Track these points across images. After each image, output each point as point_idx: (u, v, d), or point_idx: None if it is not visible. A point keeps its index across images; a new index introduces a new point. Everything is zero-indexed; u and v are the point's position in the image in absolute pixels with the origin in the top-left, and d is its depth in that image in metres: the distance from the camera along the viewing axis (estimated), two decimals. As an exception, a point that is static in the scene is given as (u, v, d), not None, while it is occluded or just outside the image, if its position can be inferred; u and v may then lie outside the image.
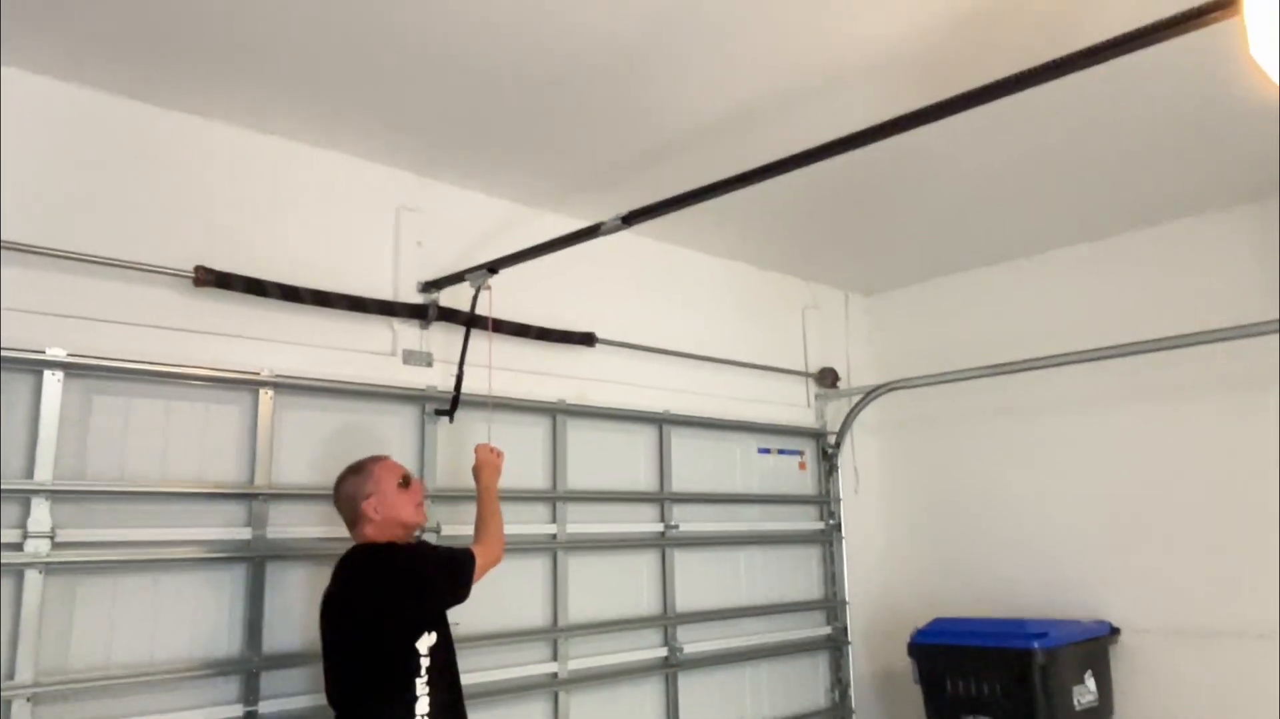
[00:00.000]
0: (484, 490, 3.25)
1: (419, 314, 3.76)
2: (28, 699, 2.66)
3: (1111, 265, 4.96)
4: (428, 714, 2.63)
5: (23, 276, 2.85)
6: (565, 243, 3.33)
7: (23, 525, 2.74)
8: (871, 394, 5.43)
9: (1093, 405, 4.95)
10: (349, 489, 2.89)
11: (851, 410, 5.48)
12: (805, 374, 5.52)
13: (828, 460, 5.47)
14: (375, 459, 2.98)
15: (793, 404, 5.43)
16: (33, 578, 2.72)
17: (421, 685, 2.65)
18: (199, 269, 3.17)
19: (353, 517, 2.88)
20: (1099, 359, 4.62)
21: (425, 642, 2.70)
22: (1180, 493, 4.58)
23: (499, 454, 3.39)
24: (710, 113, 3.36)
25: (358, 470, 2.93)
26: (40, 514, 2.76)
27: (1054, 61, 2.09)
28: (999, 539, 5.22)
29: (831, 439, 5.50)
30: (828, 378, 5.57)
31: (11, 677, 2.65)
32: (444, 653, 2.77)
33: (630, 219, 3.06)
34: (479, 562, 2.88)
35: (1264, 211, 4.42)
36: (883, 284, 5.89)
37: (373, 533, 2.84)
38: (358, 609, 2.72)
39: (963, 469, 5.46)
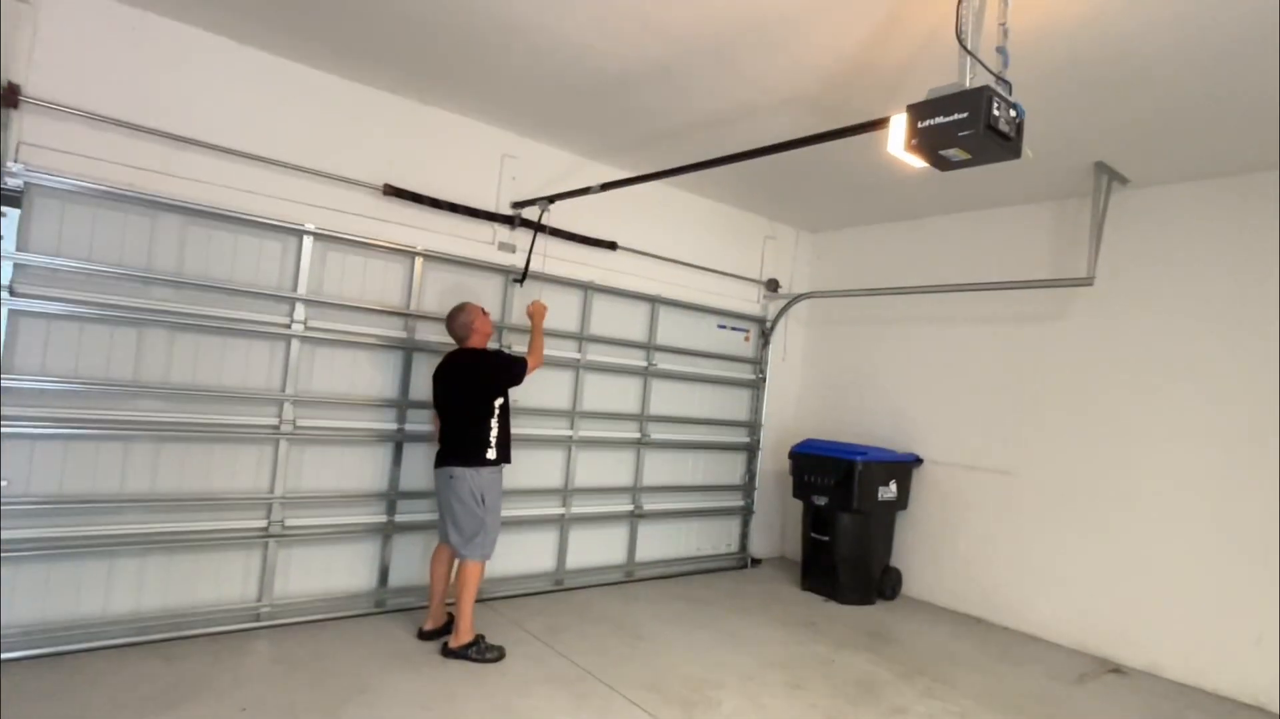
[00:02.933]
0: (535, 326, 4.17)
1: (509, 222, 4.69)
2: (292, 403, 3.90)
3: (962, 232, 5.59)
4: (495, 433, 3.76)
5: (295, 183, 3.91)
6: (572, 194, 4.24)
7: (290, 316, 3.91)
8: (796, 299, 6.27)
9: (934, 321, 5.70)
10: (465, 318, 3.85)
11: (784, 308, 6.32)
12: (759, 282, 6.31)
13: (764, 338, 6.33)
14: (473, 305, 3.92)
15: (746, 299, 6.24)
16: (295, 344, 3.92)
17: (493, 422, 3.78)
18: (386, 185, 4.18)
19: (466, 333, 3.87)
20: (941, 292, 5.39)
21: (498, 400, 3.81)
22: (974, 382, 5.40)
23: (545, 306, 4.27)
24: (697, 115, 4.07)
25: (468, 310, 3.87)
26: (299, 311, 3.92)
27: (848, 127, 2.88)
28: (864, 397, 6.12)
29: (769, 325, 6.34)
30: (773, 285, 6.36)
31: (283, 390, 3.88)
32: (505, 410, 3.85)
33: (606, 187, 4.00)
34: (529, 365, 3.93)
35: (1058, 208, 5.03)
36: (823, 226, 6.54)
37: (477, 342, 3.88)
38: (479, 377, 3.81)
39: (850, 351, 6.30)
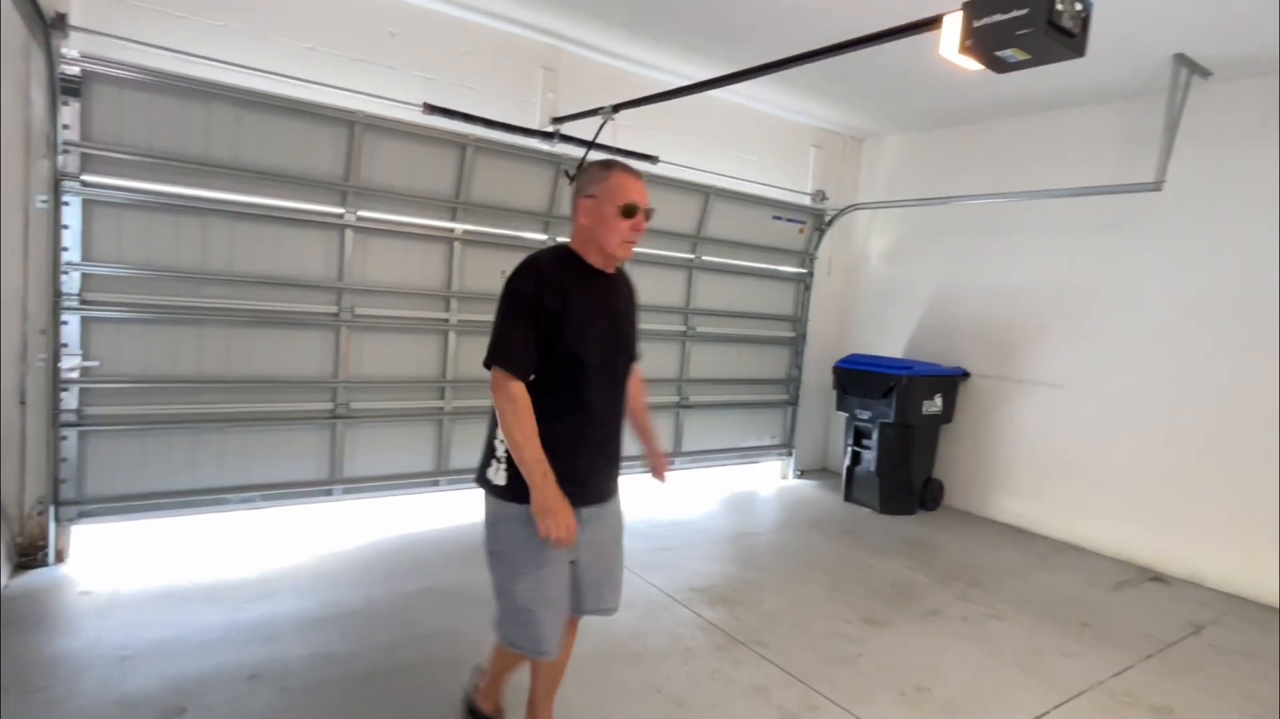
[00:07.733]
0: None
1: (549, 138, 4.63)
2: (351, 292, 4.06)
3: (1020, 136, 5.36)
4: None
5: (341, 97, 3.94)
6: (636, 104, 4.20)
7: (344, 206, 4.01)
8: (844, 211, 6.13)
9: (984, 232, 5.56)
10: (582, 180, 1.97)
11: (830, 220, 6.15)
12: (806, 193, 6.14)
13: (819, 232, 6.16)
14: (623, 168, 1.94)
15: (800, 198, 6.09)
16: (349, 234, 4.04)
17: None
18: (425, 104, 4.19)
19: (572, 208, 1.97)
20: (994, 198, 5.22)
21: None
22: (1024, 294, 5.30)
23: None
24: (757, 11, 3.89)
25: (605, 166, 1.94)
26: (351, 201, 4.02)
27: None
28: (910, 312, 6.07)
29: (827, 218, 6.13)
30: (819, 197, 6.17)
31: (340, 279, 4.03)
32: None
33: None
34: None
35: (1127, 107, 4.76)
36: (872, 134, 6.35)
37: (573, 238, 1.98)
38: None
39: (898, 264, 6.23)
